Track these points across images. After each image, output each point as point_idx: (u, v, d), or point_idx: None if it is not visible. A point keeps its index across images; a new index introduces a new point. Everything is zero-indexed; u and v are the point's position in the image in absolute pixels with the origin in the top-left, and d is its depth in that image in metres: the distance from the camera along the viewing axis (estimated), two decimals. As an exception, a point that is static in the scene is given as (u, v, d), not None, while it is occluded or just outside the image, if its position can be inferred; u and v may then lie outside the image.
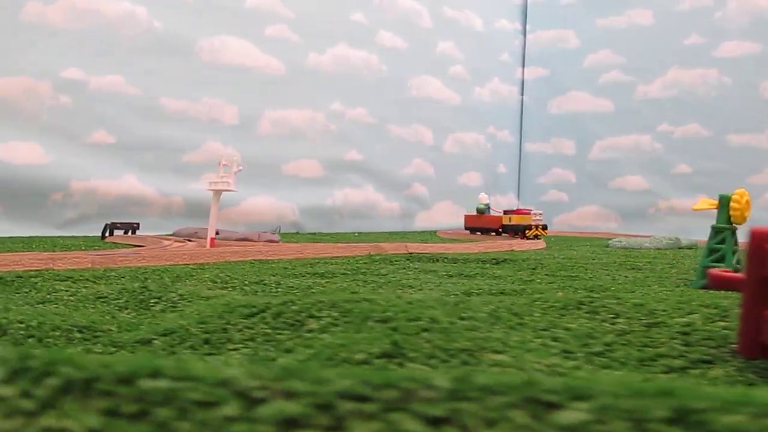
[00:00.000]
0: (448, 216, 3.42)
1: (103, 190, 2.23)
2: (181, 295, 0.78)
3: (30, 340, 0.58)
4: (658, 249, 2.18)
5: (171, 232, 2.06)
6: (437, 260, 1.51)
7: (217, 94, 2.52)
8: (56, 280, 0.98)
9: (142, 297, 0.79)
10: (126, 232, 1.97)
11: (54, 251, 1.44)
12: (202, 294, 0.78)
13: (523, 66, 3.88)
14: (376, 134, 3.06)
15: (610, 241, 2.25)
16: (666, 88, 3.27)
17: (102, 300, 0.81)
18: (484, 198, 2.64)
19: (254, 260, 1.40)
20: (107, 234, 1.93)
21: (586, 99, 3.58)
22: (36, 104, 2.11)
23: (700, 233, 3.05)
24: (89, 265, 1.19)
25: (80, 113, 2.20)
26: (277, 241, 1.80)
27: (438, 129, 3.35)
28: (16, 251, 1.46)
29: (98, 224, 2.20)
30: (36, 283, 0.95)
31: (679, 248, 2.24)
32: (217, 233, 1.86)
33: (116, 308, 0.76)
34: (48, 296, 0.84)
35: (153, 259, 1.27)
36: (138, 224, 2.00)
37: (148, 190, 2.34)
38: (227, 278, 1.06)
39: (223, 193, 2.50)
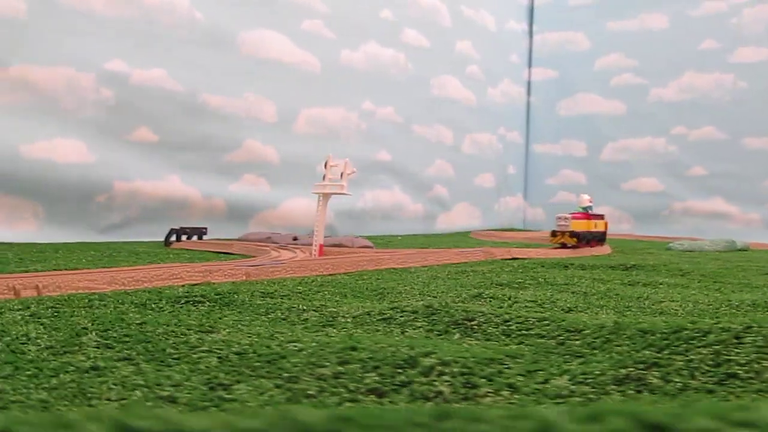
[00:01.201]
0: (466, 218, 3.36)
1: (147, 191, 2.08)
2: (498, 314, 0.68)
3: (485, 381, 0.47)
4: (718, 251, 2.17)
5: (236, 237, 1.93)
6: (567, 267, 1.44)
7: (257, 90, 2.39)
8: (259, 297, 0.87)
9: (448, 319, 0.69)
10: (189, 238, 1.83)
11: (162, 263, 1.31)
12: (526, 314, 0.68)
13: (530, 67, 3.85)
14: (403, 134, 2.97)
15: (670, 244, 2.23)
16: (681, 91, 3.30)
17: (388, 321, 0.70)
18: (584, 200, 2.07)
19: (391, 269, 1.29)
20: (174, 239, 1.78)
21: (597, 101, 3.57)
22: (78, 98, 1.95)
23: (713, 234, 3.09)
24: (244, 278, 1.08)
25: (122, 108, 2.04)
26: (371, 247, 1.70)
27: (457, 129, 3.28)
28: (99, 269, 1.33)
29: (142, 229, 2.05)
30: (243, 301, 0.84)
31: (738, 250, 2.23)
32: (294, 239, 1.74)
33: (436, 333, 0.65)
34: (301, 319, 0.73)
35: (300, 270, 1.16)
36: (206, 229, 1.86)
37: (191, 192, 2.19)
38: (435, 292, 0.96)
39: (258, 195, 2.38)
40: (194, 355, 0.54)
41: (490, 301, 0.88)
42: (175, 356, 0.54)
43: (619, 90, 3.50)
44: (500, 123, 3.60)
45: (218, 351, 0.55)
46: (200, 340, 0.59)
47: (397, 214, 2.94)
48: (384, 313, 0.73)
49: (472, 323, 0.67)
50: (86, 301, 0.81)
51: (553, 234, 1.96)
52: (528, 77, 3.85)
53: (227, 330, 0.64)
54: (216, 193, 2.26)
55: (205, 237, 1.84)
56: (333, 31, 2.64)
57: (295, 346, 0.56)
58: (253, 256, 1.41)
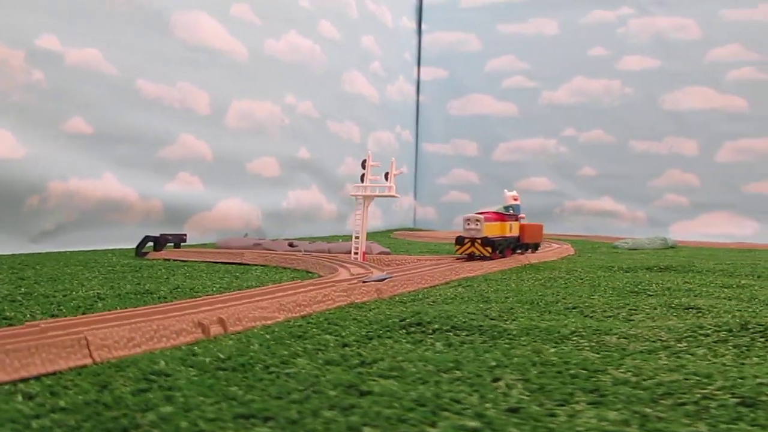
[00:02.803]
0: (370, 217, 3.28)
1: (83, 192, 1.78)
2: None
3: None
4: (656, 249, 2.30)
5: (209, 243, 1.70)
6: (610, 269, 1.43)
7: (191, 79, 2.14)
8: (485, 319, 0.74)
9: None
10: (162, 246, 1.58)
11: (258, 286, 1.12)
12: None
13: (419, 66, 3.85)
14: (320, 131, 2.83)
15: (617, 243, 2.31)
16: (571, 95, 3.47)
17: (732, 343, 0.62)
18: (507, 197, 1.61)
19: (468, 277, 1.20)
20: (151, 248, 1.53)
21: (489, 102, 3.65)
22: (7, 80, 1.61)
23: (603, 230, 3.29)
24: (376, 296, 0.94)
25: (55, 93, 1.73)
26: (389, 253, 1.57)
27: (363, 126, 3.19)
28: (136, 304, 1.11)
29: (77, 236, 1.76)
30: (513, 329, 0.71)
31: (670, 247, 2.37)
32: (290, 245, 1.58)
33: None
34: (613, 344, 0.63)
35: (410, 284, 1.04)
36: (186, 235, 1.61)
37: (129, 192, 1.91)
38: (616, 304, 0.89)
39: (194, 195, 2.15)
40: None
41: (708, 311, 0.83)
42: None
43: (511, 92, 3.60)
44: (397, 121, 3.57)
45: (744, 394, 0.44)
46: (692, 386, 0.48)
47: (315, 215, 2.79)
48: (701, 332, 0.65)
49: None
50: (342, 335, 0.64)
51: (459, 242, 1.43)
52: (417, 76, 3.85)
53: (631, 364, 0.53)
54: (153, 193, 1.99)
55: (182, 244, 1.60)
56: (259, 17, 2.44)
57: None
58: (329, 277, 1.24)
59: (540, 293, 1.00)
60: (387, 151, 3.44)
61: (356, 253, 1.36)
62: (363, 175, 1.37)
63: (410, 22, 3.75)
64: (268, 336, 0.64)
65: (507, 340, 0.64)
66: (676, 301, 0.93)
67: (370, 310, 0.81)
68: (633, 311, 0.84)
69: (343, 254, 1.50)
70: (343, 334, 0.65)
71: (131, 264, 1.35)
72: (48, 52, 1.69)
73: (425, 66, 3.84)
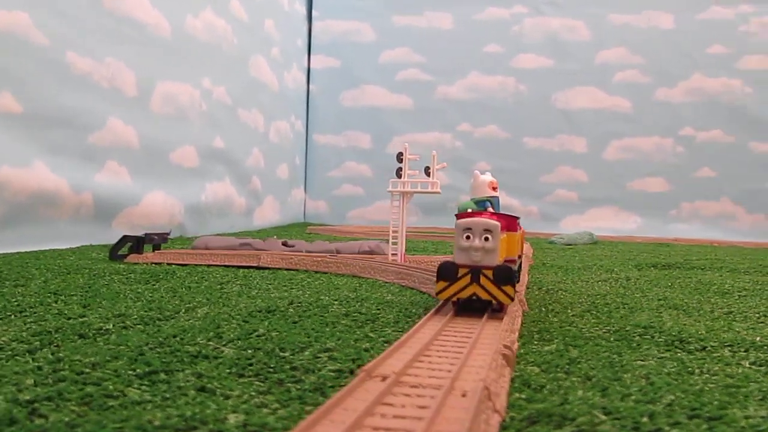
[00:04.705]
0: (271, 212, 3.12)
1: (15, 183, 1.49)
2: None
3: None
4: (587, 244, 2.38)
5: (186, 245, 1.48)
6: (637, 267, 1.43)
7: (119, 55, 1.88)
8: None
9: None
10: (139, 247, 1.36)
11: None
12: None
13: (309, 54, 3.71)
14: (232, 118, 2.63)
15: (553, 239, 2.36)
16: (466, 90, 3.51)
17: None
18: (482, 184, 1.03)
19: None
20: (128, 251, 1.30)
21: (383, 94, 3.60)
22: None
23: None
24: (521, 308, 0.85)
25: (-19, 64, 1.43)
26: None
27: (266, 115, 3.01)
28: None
29: (4, 236, 1.48)
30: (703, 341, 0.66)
31: (594, 243, 2.47)
32: (285, 244, 1.44)
33: None
34: None
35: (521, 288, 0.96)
36: (168, 234, 1.39)
37: (61, 184, 1.63)
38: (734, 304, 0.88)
39: (122, 188, 1.91)
40: None
41: None
42: None
43: (405, 85, 3.57)
44: (291, 110, 3.41)
45: None
46: None
47: (228, 209, 2.59)
48: None
49: None
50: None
51: (447, 274, 0.70)
52: (308, 64, 3.70)
53: None
54: (83, 185, 1.72)
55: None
56: (179, -11, 2.20)
57: None
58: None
59: (646, 297, 0.97)
60: (284, 141, 3.28)
61: (395, 254, 1.25)
62: (399, 170, 1.26)
63: (301, 7, 3.60)
64: (587, 366, 0.54)
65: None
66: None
67: (562, 324, 0.73)
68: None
69: (366, 253, 1.38)
70: (656, 361, 0.57)
71: (137, 270, 1.14)
72: (-25, 12, 1.40)
73: (316, 54, 3.71)
